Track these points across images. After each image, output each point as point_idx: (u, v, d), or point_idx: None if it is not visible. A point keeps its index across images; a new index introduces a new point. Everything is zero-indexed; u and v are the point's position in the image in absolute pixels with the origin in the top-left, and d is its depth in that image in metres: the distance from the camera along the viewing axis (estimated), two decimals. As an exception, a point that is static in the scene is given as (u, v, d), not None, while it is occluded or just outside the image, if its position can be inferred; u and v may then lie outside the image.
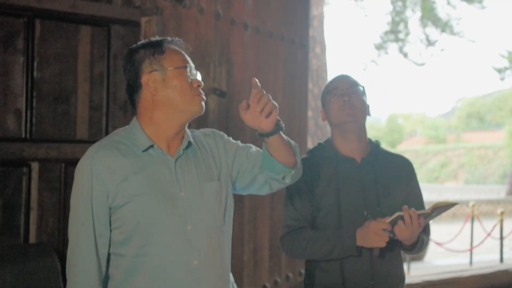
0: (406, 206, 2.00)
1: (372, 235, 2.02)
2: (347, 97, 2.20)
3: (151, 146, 1.73)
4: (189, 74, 1.75)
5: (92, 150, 1.74)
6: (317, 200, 2.19)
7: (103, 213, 1.70)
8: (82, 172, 1.70)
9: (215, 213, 1.77)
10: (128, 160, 1.70)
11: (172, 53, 1.77)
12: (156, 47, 1.76)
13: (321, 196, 2.19)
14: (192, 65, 1.79)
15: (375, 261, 2.16)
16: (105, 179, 1.68)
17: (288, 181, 1.84)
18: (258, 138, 1.75)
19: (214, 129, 1.93)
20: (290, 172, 1.83)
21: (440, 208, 1.97)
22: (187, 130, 1.82)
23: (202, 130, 1.90)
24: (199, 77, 1.78)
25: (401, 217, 1.98)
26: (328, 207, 2.18)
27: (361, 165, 2.23)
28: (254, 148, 1.89)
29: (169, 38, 1.80)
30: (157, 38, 1.81)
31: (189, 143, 1.79)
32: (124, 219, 1.68)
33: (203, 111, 1.78)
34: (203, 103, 1.77)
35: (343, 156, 2.24)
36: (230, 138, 1.91)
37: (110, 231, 1.71)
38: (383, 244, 2.02)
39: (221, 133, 1.91)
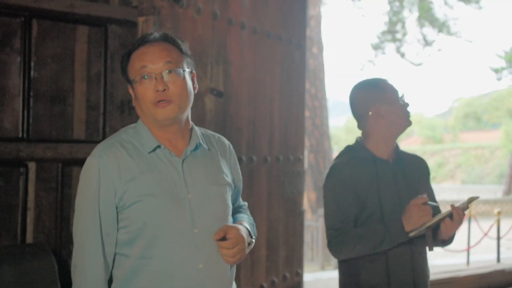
0: (453, 205, 2.16)
1: (416, 212, 2.12)
2: (407, 105, 2.35)
3: (158, 147, 1.71)
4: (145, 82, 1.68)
5: (99, 148, 1.70)
6: (362, 201, 2.25)
7: (111, 212, 1.66)
8: (89, 171, 1.67)
9: (222, 217, 1.75)
10: (135, 160, 1.67)
11: (134, 61, 1.71)
12: (126, 56, 1.74)
13: (365, 197, 2.25)
14: (153, 65, 1.67)
15: (415, 260, 2.26)
16: (112, 177, 1.65)
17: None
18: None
19: (228, 142, 1.91)
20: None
21: (472, 201, 2.18)
22: (196, 130, 1.79)
23: (215, 134, 1.88)
24: (165, 76, 1.68)
25: (450, 215, 2.15)
26: (372, 208, 2.25)
27: (393, 166, 2.33)
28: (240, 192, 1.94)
29: (138, 39, 1.74)
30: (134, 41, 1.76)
31: (198, 144, 1.76)
32: (131, 219, 1.65)
33: (167, 117, 1.69)
34: (162, 112, 1.67)
35: (378, 158, 2.32)
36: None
37: (117, 230, 1.68)
38: (429, 217, 2.12)
39: (232, 147, 1.91)
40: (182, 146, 1.74)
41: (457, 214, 2.15)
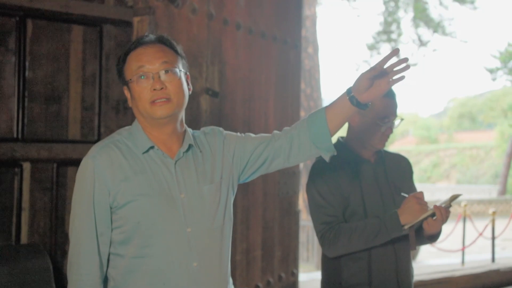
0: (436, 205, 2.14)
1: (416, 206, 2.12)
2: (390, 131, 2.28)
3: (152, 148, 1.74)
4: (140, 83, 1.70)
5: (94, 149, 1.74)
6: (345, 198, 2.25)
7: (105, 211, 1.70)
8: (84, 171, 1.71)
9: (215, 215, 1.77)
10: (128, 161, 1.71)
11: (131, 62, 1.74)
12: (122, 58, 1.77)
13: (348, 194, 2.25)
14: (150, 65, 1.70)
15: (399, 260, 2.27)
16: (106, 178, 1.68)
17: (327, 158, 1.83)
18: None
19: (213, 126, 1.91)
20: (334, 151, 1.82)
21: (455, 199, 2.18)
22: (189, 131, 1.81)
23: (202, 129, 1.89)
24: (162, 76, 1.70)
25: (432, 215, 2.14)
26: (354, 206, 2.25)
27: (375, 166, 2.34)
28: (252, 134, 1.91)
29: (134, 41, 1.78)
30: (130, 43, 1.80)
31: (190, 146, 1.78)
32: (125, 219, 1.69)
33: (165, 115, 1.70)
34: (159, 110, 1.69)
35: (360, 158, 2.33)
36: (229, 132, 1.90)
37: (111, 230, 1.71)
38: (425, 211, 2.13)
39: (220, 129, 1.90)
40: (175, 148, 1.77)
41: (440, 214, 2.13)
